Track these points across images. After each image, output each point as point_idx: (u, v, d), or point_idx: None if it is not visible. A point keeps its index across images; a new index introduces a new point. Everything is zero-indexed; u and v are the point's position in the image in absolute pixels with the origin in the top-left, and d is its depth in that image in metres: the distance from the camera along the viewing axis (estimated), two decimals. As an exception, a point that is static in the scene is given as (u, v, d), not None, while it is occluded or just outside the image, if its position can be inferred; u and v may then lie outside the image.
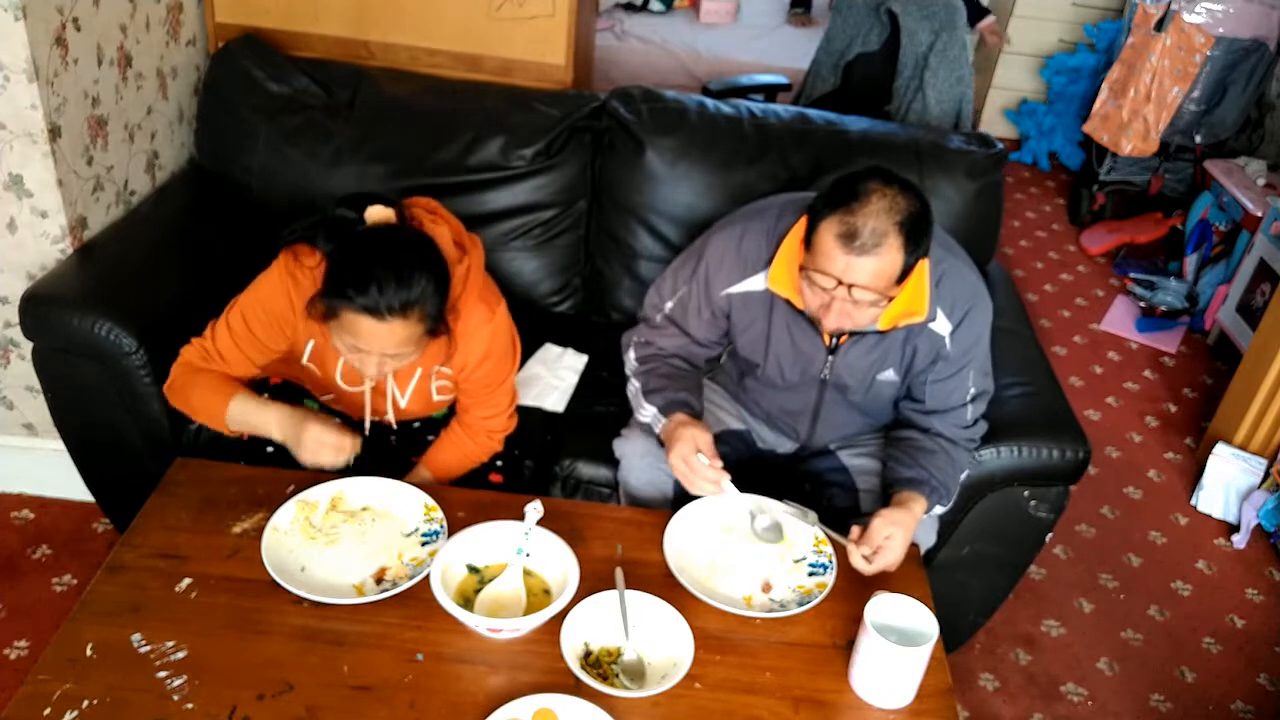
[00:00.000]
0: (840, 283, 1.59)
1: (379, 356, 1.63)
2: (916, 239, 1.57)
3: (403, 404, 1.88)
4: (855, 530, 1.66)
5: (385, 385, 1.85)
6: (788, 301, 1.76)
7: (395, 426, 1.99)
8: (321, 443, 1.69)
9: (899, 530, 1.63)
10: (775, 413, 1.99)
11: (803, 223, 1.68)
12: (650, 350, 1.92)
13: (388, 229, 1.67)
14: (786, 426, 2.00)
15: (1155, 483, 3.04)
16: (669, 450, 1.75)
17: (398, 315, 1.57)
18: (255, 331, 1.76)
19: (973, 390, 1.81)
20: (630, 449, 1.94)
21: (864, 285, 1.58)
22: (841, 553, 1.66)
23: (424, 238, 1.67)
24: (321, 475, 1.72)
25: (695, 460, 1.71)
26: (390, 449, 1.97)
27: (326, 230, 1.68)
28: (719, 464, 1.72)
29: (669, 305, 1.91)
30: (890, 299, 1.64)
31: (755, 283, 1.80)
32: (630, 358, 1.95)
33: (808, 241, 1.63)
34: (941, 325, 1.76)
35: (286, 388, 1.95)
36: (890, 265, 1.57)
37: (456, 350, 1.76)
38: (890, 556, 1.63)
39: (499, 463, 1.95)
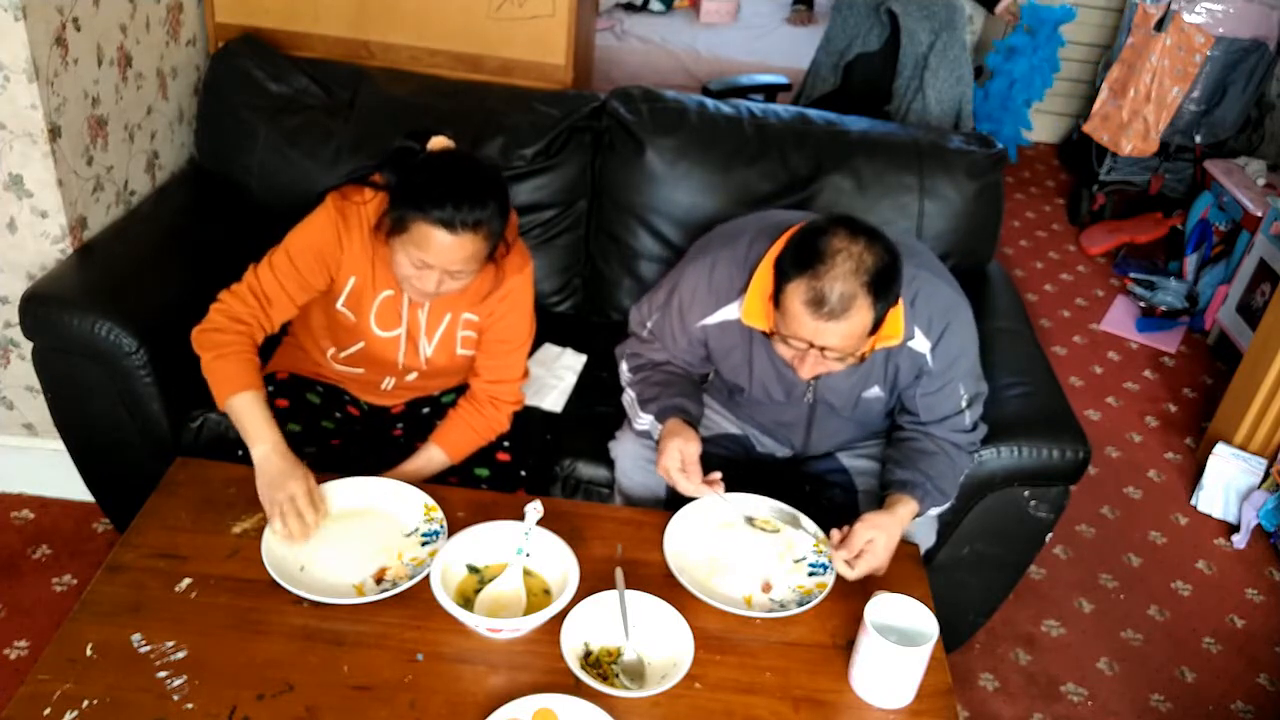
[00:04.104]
0: (812, 346, 1.59)
1: (440, 273, 1.68)
2: (885, 293, 1.56)
3: (429, 352, 1.90)
4: (835, 535, 1.66)
5: (416, 332, 1.88)
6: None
7: (404, 409, 2.01)
8: (286, 509, 1.60)
9: (881, 534, 1.63)
10: (769, 425, 1.99)
11: (774, 253, 1.67)
12: (641, 361, 1.93)
13: (459, 153, 1.75)
14: (782, 436, 2.00)
15: (1155, 483, 3.04)
16: (657, 459, 1.77)
17: (469, 231, 1.63)
18: (300, 269, 1.79)
19: (966, 397, 1.81)
20: (623, 451, 1.95)
21: (835, 347, 1.58)
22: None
23: (493, 164, 1.75)
24: (323, 475, 1.71)
25: (678, 475, 1.72)
26: (394, 440, 1.98)
27: (391, 160, 1.74)
28: (698, 478, 1.73)
29: (649, 324, 1.93)
30: (864, 356, 1.64)
31: (729, 312, 1.80)
32: (624, 368, 1.96)
33: (776, 301, 1.61)
34: (920, 343, 1.75)
35: (292, 382, 1.95)
36: (860, 325, 1.56)
37: (494, 289, 1.83)
38: (874, 561, 1.62)
39: (506, 442, 1.96)
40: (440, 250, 1.64)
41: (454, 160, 1.71)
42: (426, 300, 1.82)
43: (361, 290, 1.84)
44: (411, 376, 1.96)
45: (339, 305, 1.86)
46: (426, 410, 2.02)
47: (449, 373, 1.98)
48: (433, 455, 1.87)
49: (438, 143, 1.76)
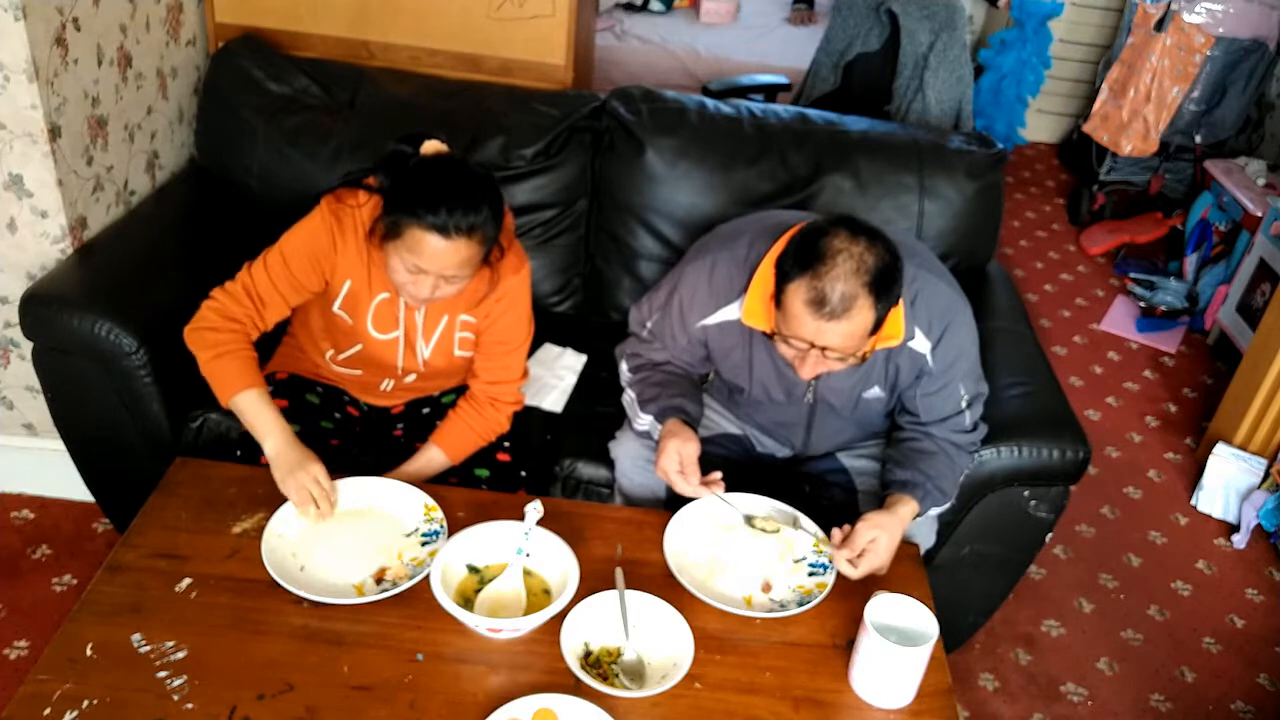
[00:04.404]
0: (813, 346, 1.59)
1: (435, 278, 1.67)
2: (886, 293, 1.55)
3: (427, 354, 1.90)
4: (837, 534, 1.65)
5: (414, 335, 1.88)
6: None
7: (404, 409, 2.01)
8: (305, 492, 1.64)
9: (883, 534, 1.63)
10: (769, 425, 1.99)
11: (774, 254, 1.67)
12: (641, 361, 1.93)
13: (451, 158, 1.75)
14: (782, 437, 2.00)
15: (1155, 483, 3.04)
16: (656, 461, 1.77)
17: (463, 235, 1.63)
18: (294, 270, 1.79)
19: (966, 397, 1.81)
20: (623, 452, 1.95)
21: (836, 347, 1.58)
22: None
23: (486, 169, 1.76)
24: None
25: (676, 477, 1.72)
26: (394, 440, 1.98)
27: (385, 164, 1.74)
28: (696, 478, 1.72)
29: (649, 324, 1.93)
30: (865, 356, 1.64)
31: (729, 312, 1.80)
32: (623, 368, 1.96)
33: (777, 301, 1.61)
34: (920, 344, 1.75)
35: (292, 382, 1.95)
36: (862, 325, 1.55)
37: (489, 292, 1.83)
38: (876, 560, 1.63)
39: (506, 443, 1.96)
40: (434, 255, 1.64)
41: (447, 165, 1.71)
42: (422, 305, 1.82)
43: (358, 293, 1.84)
44: (410, 378, 1.96)
45: (336, 308, 1.86)
46: (427, 410, 2.02)
47: (448, 374, 1.98)
48: (433, 456, 1.88)
49: (431, 147, 1.75)
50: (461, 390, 1.98)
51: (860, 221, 1.58)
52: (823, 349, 1.58)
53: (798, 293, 1.55)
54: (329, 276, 1.82)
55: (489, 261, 1.76)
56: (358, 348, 1.90)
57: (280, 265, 1.79)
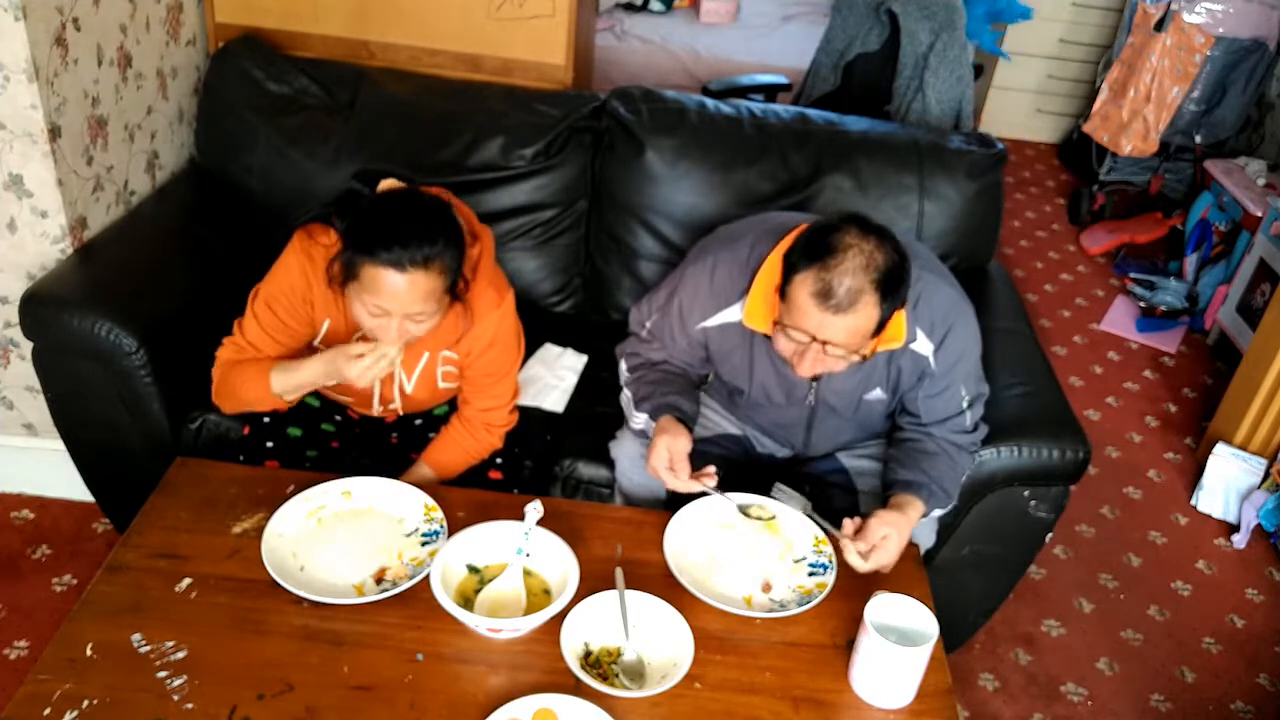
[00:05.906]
0: (815, 339, 1.58)
1: (400, 319, 1.63)
2: (893, 293, 1.55)
3: (409, 389, 1.88)
4: (849, 525, 1.65)
5: (394, 372, 1.85)
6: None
7: (398, 418, 2.00)
8: (349, 356, 1.68)
9: (895, 531, 1.63)
10: (769, 426, 1.99)
11: (778, 253, 1.67)
12: (639, 360, 1.93)
13: (404, 191, 1.69)
14: (782, 437, 2.00)
15: (1155, 483, 3.04)
16: (646, 458, 1.77)
17: (419, 268, 1.58)
18: (279, 316, 1.77)
19: (967, 398, 1.81)
20: (622, 452, 1.95)
21: (838, 343, 1.57)
22: (841, 551, 1.66)
23: (439, 199, 1.69)
24: (323, 475, 1.72)
25: (666, 473, 1.72)
26: (391, 447, 1.98)
27: (340, 204, 1.70)
28: (686, 474, 1.72)
29: (649, 324, 1.93)
30: (865, 357, 1.64)
31: (731, 314, 1.79)
32: (623, 368, 1.96)
33: (783, 292, 1.61)
34: (923, 346, 1.75)
35: (301, 407, 1.95)
36: (866, 322, 1.55)
37: (468, 329, 1.78)
38: (885, 557, 1.63)
39: (498, 460, 1.96)
40: (394, 293, 1.59)
41: (399, 199, 1.65)
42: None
43: (336, 331, 1.81)
44: (395, 405, 1.94)
45: (317, 343, 1.84)
46: (419, 422, 2.01)
47: (435, 400, 1.97)
48: (424, 474, 1.87)
49: (388, 185, 1.70)
50: (454, 402, 1.97)
51: (871, 221, 1.59)
52: (824, 344, 1.58)
53: (804, 284, 1.55)
54: (312, 315, 1.80)
55: (457, 295, 1.70)
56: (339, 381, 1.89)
57: (267, 314, 1.77)
